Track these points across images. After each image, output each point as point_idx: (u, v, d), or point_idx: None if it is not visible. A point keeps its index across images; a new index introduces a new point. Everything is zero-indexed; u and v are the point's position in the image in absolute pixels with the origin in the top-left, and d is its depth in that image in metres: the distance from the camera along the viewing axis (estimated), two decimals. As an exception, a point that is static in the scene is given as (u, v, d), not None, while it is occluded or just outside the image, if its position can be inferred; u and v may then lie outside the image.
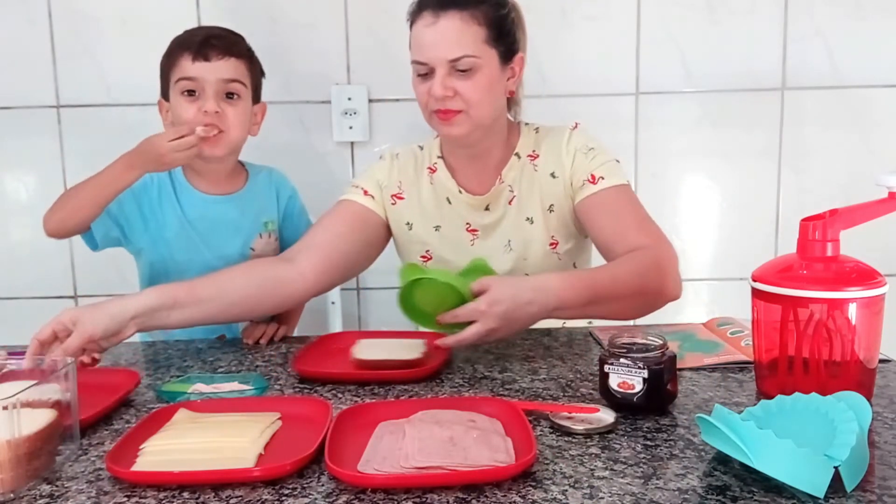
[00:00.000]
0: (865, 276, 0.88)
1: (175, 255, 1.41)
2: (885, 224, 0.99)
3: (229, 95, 1.36)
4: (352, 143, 1.90)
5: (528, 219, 1.36)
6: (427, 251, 1.39)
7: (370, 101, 1.88)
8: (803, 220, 0.91)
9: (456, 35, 1.22)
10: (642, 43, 1.87)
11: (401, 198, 1.39)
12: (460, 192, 1.37)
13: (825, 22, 1.86)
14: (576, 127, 1.37)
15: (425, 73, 1.25)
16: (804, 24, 1.86)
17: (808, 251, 0.90)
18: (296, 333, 1.65)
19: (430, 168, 1.40)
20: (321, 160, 1.91)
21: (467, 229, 1.38)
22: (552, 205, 1.35)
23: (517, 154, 1.36)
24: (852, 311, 0.87)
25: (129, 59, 1.84)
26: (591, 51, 1.86)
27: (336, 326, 1.73)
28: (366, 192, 1.39)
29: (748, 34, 1.86)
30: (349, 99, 1.87)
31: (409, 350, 1.12)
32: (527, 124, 1.40)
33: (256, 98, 1.44)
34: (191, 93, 1.34)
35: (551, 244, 1.36)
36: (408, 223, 1.39)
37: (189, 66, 1.33)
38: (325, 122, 1.89)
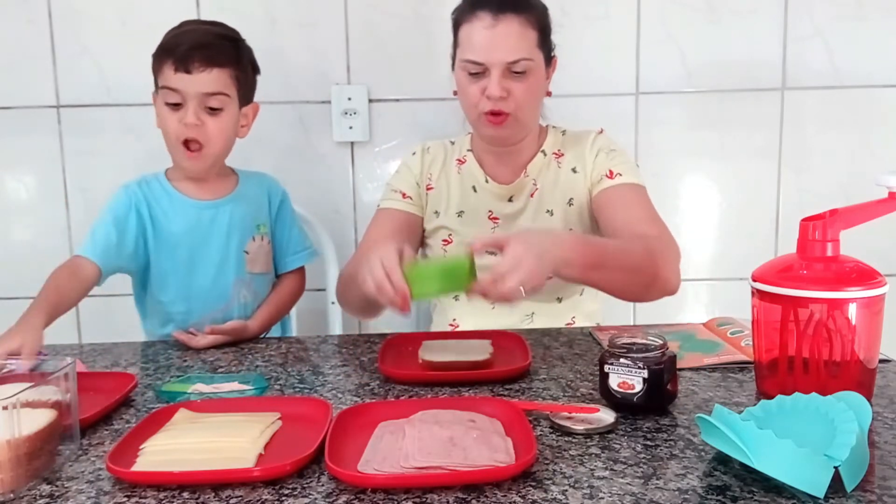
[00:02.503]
0: (865, 276, 0.88)
1: (174, 262, 1.39)
2: (885, 224, 0.99)
3: (212, 108, 1.32)
4: (352, 143, 1.90)
5: (548, 211, 1.41)
6: (449, 235, 1.44)
7: (370, 101, 1.88)
8: (803, 220, 0.91)
9: (515, 38, 1.26)
10: (642, 43, 1.87)
11: (430, 188, 1.46)
12: (487, 181, 1.43)
13: (825, 22, 1.85)
14: (601, 132, 1.45)
15: (478, 72, 1.28)
16: (804, 24, 1.86)
17: (808, 251, 0.90)
18: (296, 334, 1.65)
19: (458, 160, 1.46)
20: (321, 160, 1.91)
21: (489, 217, 1.43)
22: (572, 199, 1.41)
23: (543, 152, 1.43)
24: (852, 311, 0.87)
25: (129, 59, 1.84)
26: (591, 51, 1.86)
27: (336, 327, 1.73)
28: (404, 196, 1.45)
29: (748, 34, 1.86)
30: (349, 99, 1.86)
31: (476, 352, 1.10)
32: (554, 127, 1.47)
33: (248, 100, 1.40)
34: (175, 103, 1.31)
35: None
36: (436, 212, 1.45)
37: (171, 77, 1.30)
38: (325, 122, 1.88)
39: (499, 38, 1.26)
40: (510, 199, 1.42)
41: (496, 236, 1.08)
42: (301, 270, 1.55)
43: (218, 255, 1.40)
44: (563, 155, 1.43)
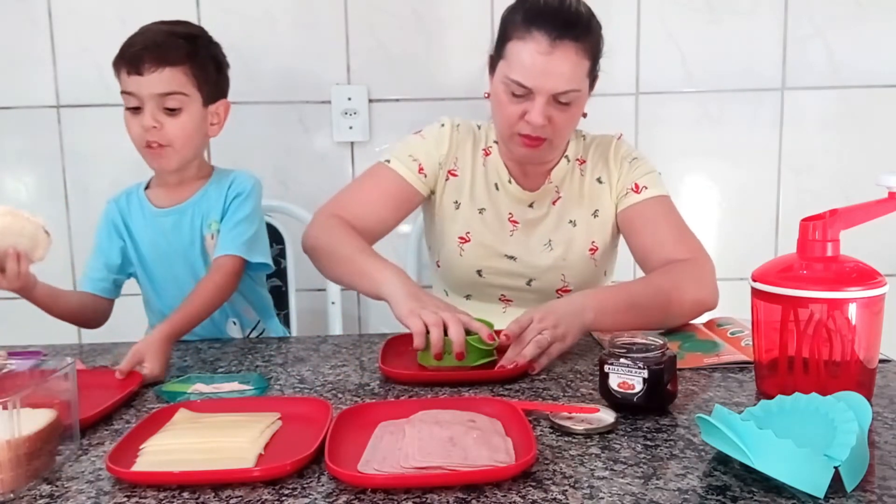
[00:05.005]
0: (865, 276, 0.88)
1: (146, 271, 1.40)
2: (885, 224, 0.99)
3: (170, 108, 1.28)
4: (352, 143, 1.90)
5: (570, 221, 1.38)
6: (467, 233, 1.39)
7: (370, 101, 1.88)
8: (803, 220, 0.91)
9: (570, 69, 1.20)
10: (642, 43, 1.87)
11: (454, 174, 1.39)
12: (510, 181, 1.38)
13: (825, 22, 1.86)
14: (620, 137, 1.41)
15: (521, 94, 1.22)
16: (804, 24, 1.86)
17: (808, 251, 0.90)
18: (296, 334, 1.65)
19: (484, 150, 1.40)
20: (321, 160, 1.91)
21: (509, 219, 1.39)
22: (597, 210, 1.37)
23: (566, 157, 1.38)
24: (852, 311, 0.86)
25: (129, 59, 1.84)
26: (591, 51, 1.86)
27: (336, 327, 1.73)
28: (420, 169, 1.37)
29: (748, 34, 1.87)
30: (349, 99, 1.87)
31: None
32: (575, 130, 1.41)
33: (214, 97, 1.35)
34: (135, 108, 1.29)
35: (591, 249, 1.38)
36: (456, 202, 1.39)
37: (126, 80, 1.28)
38: (325, 122, 1.89)
39: (552, 66, 1.19)
40: (531, 205, 1.38)
41: (520, 322, 1.07)
42: (230, 264, 1.31)
43: (183, 259, 1.38)
44: (584, 162, 1.39)
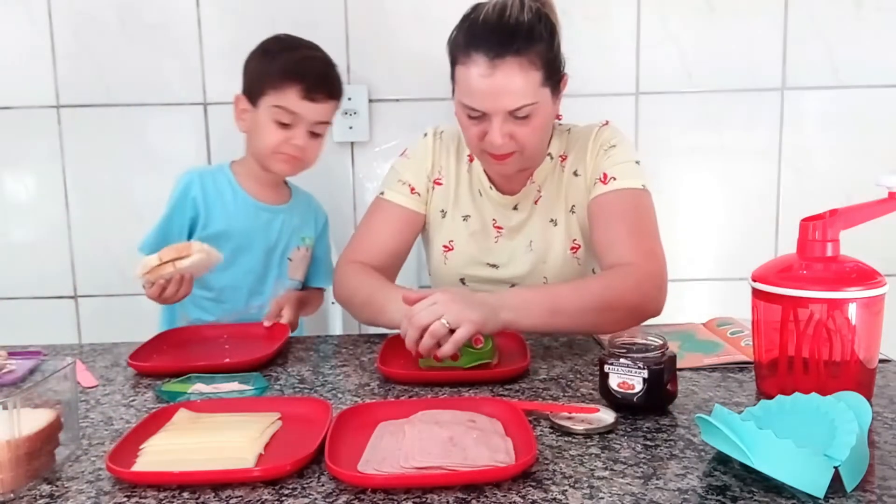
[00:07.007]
0: (865, 276, 0.88)
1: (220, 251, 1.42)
2: (885, 224, 0.99)
3: (315, 133, 1.39)
4: (352, 143, 1.90)
5: (552, 220, 1.35)
6: (450, 241, 1.39)
7: (370, 101, 1.88)
8: (803, 220, 0.91)
9: (518, 85, 1.15)
10: (642, 43, 1.87)
11: (439, 183, 1.39)
12: (491, 188, 1.36)
13: (825, 22, 1.86)
14: (606, 124, 1.35)
15: (477, 116, 1.19)
16: (804, 24, 1.86)
17: (808, 251, 0.90)
18: (296, 334, 1.65)
19: (469, 156, 1.39)
20: (321, 160, 1.90)
21: (493, 225, 1.38)
22: (574, 206, 1.34)
23: (550, 155, 1.35)
24: (852, 311, 0.87)
25: (129, 59, 1.84)
26: (591, 51, 1.86)
27: (336, 327, 1.73)
28: (412, 190, 1.38)
29: (748, 34, 1.86)
30: (349, 99, 1.86)
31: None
32: (560, 125, 1.38)
33: None
34: (285, 123, 1.36)
35: (572, 248, 1.35)
36: (442, 210, 1.39)
37: (295, 102, 1.34)
38: (325, 122, 1.88)
39: (497, 86, 1.14)
40: (515, 208, 1.36)
41: (419, 298, 1.05)
42: (322, 291, 1.61)
43: (261, 256, 1.45)
44: (566, 157, 1.35)
